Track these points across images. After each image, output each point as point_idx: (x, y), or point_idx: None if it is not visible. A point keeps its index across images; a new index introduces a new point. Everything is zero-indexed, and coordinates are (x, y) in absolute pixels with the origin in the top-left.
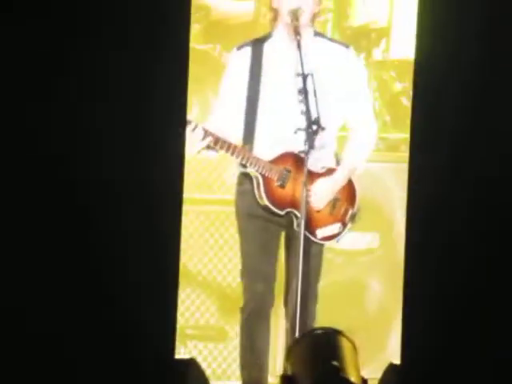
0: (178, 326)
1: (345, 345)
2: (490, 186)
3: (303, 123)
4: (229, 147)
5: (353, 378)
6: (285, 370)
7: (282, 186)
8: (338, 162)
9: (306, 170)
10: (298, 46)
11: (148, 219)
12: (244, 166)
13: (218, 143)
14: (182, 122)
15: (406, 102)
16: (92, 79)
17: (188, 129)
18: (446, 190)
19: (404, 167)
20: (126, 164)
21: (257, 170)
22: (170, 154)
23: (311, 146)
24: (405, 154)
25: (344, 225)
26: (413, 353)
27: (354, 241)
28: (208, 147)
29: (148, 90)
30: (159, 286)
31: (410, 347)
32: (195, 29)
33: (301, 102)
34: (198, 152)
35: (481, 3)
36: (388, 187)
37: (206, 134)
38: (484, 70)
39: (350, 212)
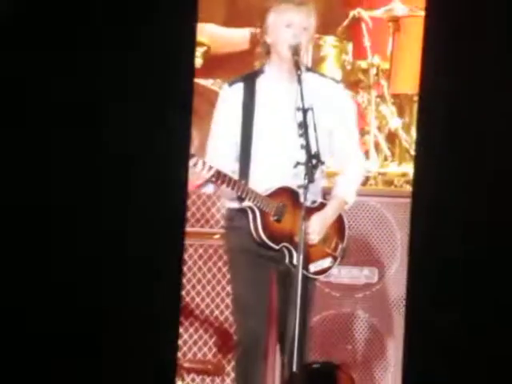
0: (177, 359)
1: (342, 378)
2: (491, 223)
3: (303, 157)
4: (229, 181)
5: None
6: None
7: (279, 221)
8: (324, 197)
9: (304, 205)
10: (299, 80)
11: (149, 254)
12: (240, 199)
13: (218, 177)
14: (186, 158)
15: (405, 137)
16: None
17: (190, 163)
18: (449, 223)
19: (403, 202)
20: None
21: (255, 204)
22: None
23: (311, 180)
24: (405, 188)
25: (335, 259)
26: None
27: (352, 275)
28: (207, 181)
29: (152, 126)
30: (159, 321)
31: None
32: (197, 64)
33: (301, 136)
34: (198, 186)
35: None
36: (387, 222)
37: (207, 167)
38: (483, 106)
39: (340, 246)
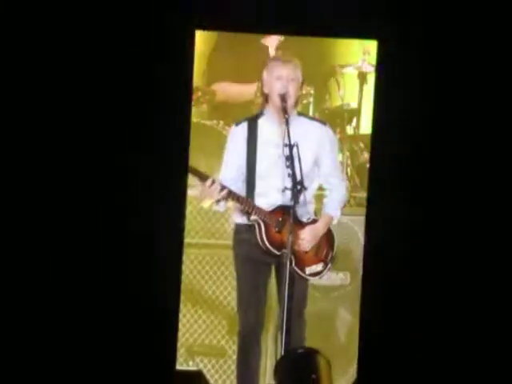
0: (188, 344)
1: (321, 361)
2: (437, 236)
3: (289, 184)
4: (238, 199)
5: None
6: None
7: (279, 232)
8: (316, 215)
9: (291, 221)
10: (286, 122)
11: (151, 257)
12: (248, 215)
13: (230, 195)
14: (185, 176)
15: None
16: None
17: (207, 183)
18: (396, 234)
19: None
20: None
21: (260, 218)
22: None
23: (296, 202)
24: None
25: (326, 264)
26: (369, 368)
27: (330, 278)
28: (221, 199)
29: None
30: (164, 310)
31: (367, 364)
32: (203, 108)
33: (287, 167)
34: (212, 203)
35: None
36: (357, 236)
37: (223, 187)
38: (429, 141)
39: (330, 254)
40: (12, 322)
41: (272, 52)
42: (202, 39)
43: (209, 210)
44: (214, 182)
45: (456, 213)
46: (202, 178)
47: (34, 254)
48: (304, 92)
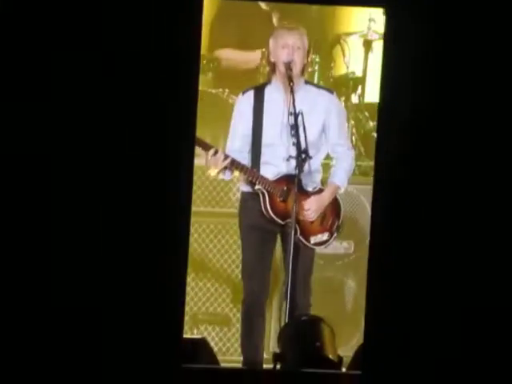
0: (192, 312)
1: (325, 329)
2: (443, 203)
3: (294, 152)
4: (242, 168)
5: (331, 356)
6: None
7: (284, 201)
8: (323, 184)
9: (295, 189)
10: (291, 90)
11: (163, 224)
12: (252, 184)
13: (233, 165)
14: (192, 145)
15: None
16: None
17: (210, 153)
18: (403, 204)
19: None
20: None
21: (264, 188)
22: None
23: (300, 171)
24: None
25: (331, 234)
26: (375, 334)
27: (334, 247)
28: (225, 168)
29: (162, 121)
30: (171, 279)
31: (373, 330)
32: (208, 76)
33: (292, 135)
34: (218, 172)
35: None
36: (363, 204)
37: (226, 157)
38: (435, 110)
39: (336, 223)
40: (21, 301)
41: (275, 19)
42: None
43: (213, 179)
44: (217, 151)
45: (465, 181)
46: (206, 147)
47: (43, 226)
48: (309, 60)
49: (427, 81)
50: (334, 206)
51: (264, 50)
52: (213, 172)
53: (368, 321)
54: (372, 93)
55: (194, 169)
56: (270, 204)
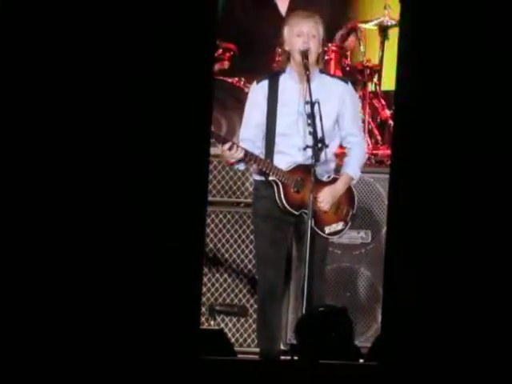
0: (209, 303)
1: (343, 320)
2: (461, 192)
3: (310, 142)
4: (255, 159)
5: (348, 347)
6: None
7: (298, 192)
8: (337, 173)
9: (312, 179)
10: (307, 79)
11: (177, 217)
12: (266, 174)
13: (247, 156)
14: (207, 136)
15: (393, 125)
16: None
17: (226, 146)
18: (421, 195)
19: None
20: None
21: (277, 178)
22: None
23: (317, 160)
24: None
25: (346, 223)
26: (393, 326)
27: (350, 237)
28: (239, 160)
29: (178, 113)
30: (188, 271)
31: (391, 322)
32: (225, 65)
33: (309, 124)
34: (232, 164)
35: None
36: (379, 193)
37: (239, 150)
38: (453, 98)
39: (350, 213)
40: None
41: (284, 10)
42: None
43: (229, 169)
44: (232, 145)
45: (483, 168)
46: (221, 141)
47: (55, 219)
48: (324, 49)
49: (444, 67)
50: (348, 195)
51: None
52: (227, 163)
53: (385, 311)
54: (388, 81)
55: (209, 158)
56: (284, 194)
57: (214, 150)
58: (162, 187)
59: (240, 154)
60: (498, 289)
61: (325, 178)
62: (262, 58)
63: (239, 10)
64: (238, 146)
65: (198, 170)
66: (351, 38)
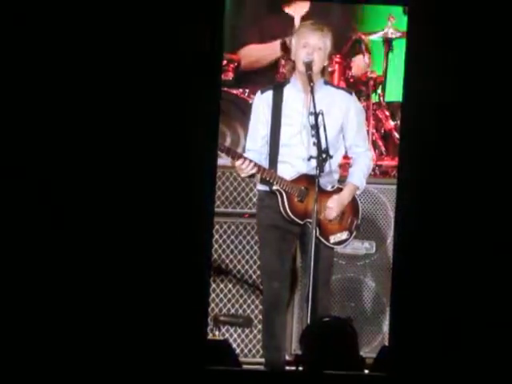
0: (214, 314)
1: (347, 330)
2: (468, 202)
3: (314, 152)
4: (259, 169)
5: (353, 358)
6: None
7: (301, 201)
8: (341, 183)
9: (316, 190)
10: (312, 90)
11: (186, 229)
12: (270, 184)
13: (259, 170)
14: (215, 148)
15: (397, 136)
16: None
17: (239, 162)
18: (427, 205)
19: (395, 188)
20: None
21: (281, 188)
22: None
23: (321, 171)
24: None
25: (350, 233)
26: (400, 337)
27: (355, 247)
28: (252, 176)
29: (187, 126)
30: (195, 282)
31: (398, 332)
32: (229, 76)
33: (313, 135)
34: (244, 176)
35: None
36: (383, 204)
37: (252, 165)
38: (459, 109)
39: (355, 222)
40: (38, 291)
41: (297, 21)
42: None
43: (233, 180)
44: (244, 159)
45: (489, 181)
46: (235, 156)
47: (59, 218)
48: (330, 62)
49: (450, 79)
50: (353, 204)
51: (282, 40)
52: (241, 175)
53: (393, 322)
54: (392, 92)
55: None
56: (289, 204)
57: (218, 161)
58: (169, 198)
59: (252, 170)
60: (508, 302)
61: (329, 188)
62: (267, 71)
63: (250, 21)
64: (250, 161)
65: (206, 182)
66: (359, 56)
